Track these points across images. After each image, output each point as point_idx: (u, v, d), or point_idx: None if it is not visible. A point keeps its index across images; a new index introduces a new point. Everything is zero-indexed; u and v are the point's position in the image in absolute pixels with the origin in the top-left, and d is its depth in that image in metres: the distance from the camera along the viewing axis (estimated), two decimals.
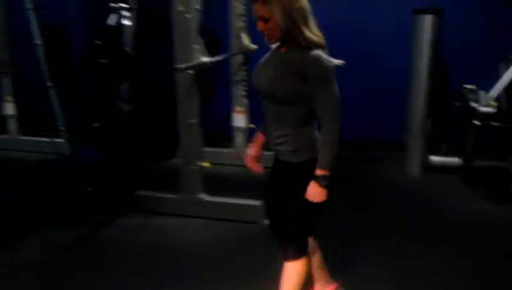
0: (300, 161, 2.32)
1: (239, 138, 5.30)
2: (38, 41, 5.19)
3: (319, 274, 2.82)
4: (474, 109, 4.40)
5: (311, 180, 2.26)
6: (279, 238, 2.61)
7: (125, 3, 4.10)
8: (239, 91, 5.11)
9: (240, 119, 5.20)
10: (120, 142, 4.10)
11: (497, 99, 4.44)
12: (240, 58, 4.99)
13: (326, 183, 2.24)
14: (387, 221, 4.15)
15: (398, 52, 5.29)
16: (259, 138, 2.62)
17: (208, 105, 4.80)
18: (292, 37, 2.18)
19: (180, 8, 3.63)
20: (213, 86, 5.34)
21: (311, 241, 2.64)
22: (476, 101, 4.46)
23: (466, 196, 4.74)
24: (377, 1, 5.65)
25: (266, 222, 3.97)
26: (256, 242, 3.73)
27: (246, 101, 5.17)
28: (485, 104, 4.37)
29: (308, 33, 2.16)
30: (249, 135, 5.25)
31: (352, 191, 4.80)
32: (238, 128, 5.26)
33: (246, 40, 4.83)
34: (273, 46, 2.32)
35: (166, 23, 3.79)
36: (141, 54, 4.48)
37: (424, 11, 4.84)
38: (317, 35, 2.19)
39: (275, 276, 3.24)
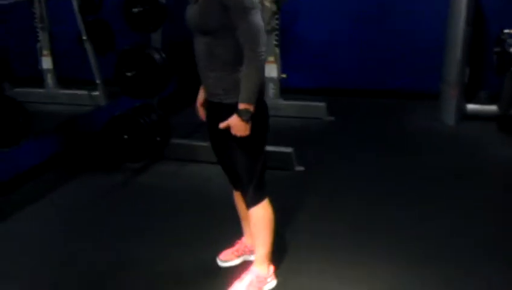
0: (232, 102, 2.28)
1: (271, 88, 5.29)
2: None
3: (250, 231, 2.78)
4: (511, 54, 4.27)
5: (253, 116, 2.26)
6: (238, 189, 2.66)
7: None
8: (271, 40, 5.07)
9: (271, 70, 5.18)
10: (154, 91, 4.16)
11: None
12: (272, 7, 4.93)
13: (248, 117, 2.24)
14: (420, 166, 4.14)
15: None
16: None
17: None
18: None
19: None
20: None
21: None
22: None
23: (502, 143, 4.67)
24: None
25: (299, 168, 4.08)
26: (289, 187, 3.80)
27: (277, 50, 5.14)
28: None
29: None
30: (281, 85, 5.26)
31: (385, 138, 4.79)
32: (270, 79, 5.24)
33: None
34: None
35: None
36: (172, 3, 4.50)
37: None
38: None
39: (304, 218, 3.34)
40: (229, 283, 2.65)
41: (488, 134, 4.86)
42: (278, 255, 2.81)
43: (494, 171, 4.05)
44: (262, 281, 2.63)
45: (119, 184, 4.04)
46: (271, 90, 5.28)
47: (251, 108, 2.23)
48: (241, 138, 2.30)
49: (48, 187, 3.97)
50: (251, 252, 2.87)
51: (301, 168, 4.11)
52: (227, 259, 2.89)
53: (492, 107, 5.08)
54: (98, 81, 5.50)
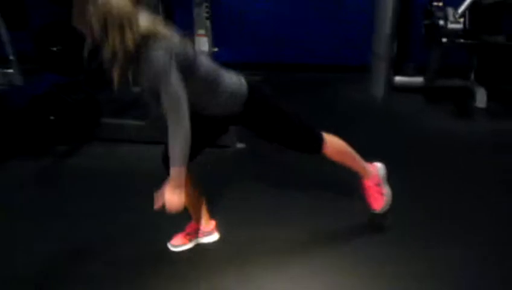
0: (235, 110, 2.36)
1: None
2: None
3: (198, 214, 2.80)
4: (441, 26, 4.37)
5: (261, 107, 2.44)
6: None
7: None
8: (201, 13, 4.87)
9: (203, 43, 4.99)
10: (81, 68, 3.86)
11: (463, 16, 4.43)
12: None
13: (182, 182, 2.16)
14: (354, 141, 4.14)
15: None
16: None
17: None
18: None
19: None
20: (171, 7, 5.08)
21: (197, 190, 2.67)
22: (444, 18, 4.42)
23: (428, 114, 4.80)
24: None
25: (239, 145, 3.97)
26: (229, 165, 3.70)
27: (208, 23, 4.95)
28: (453, 21, 4.34)
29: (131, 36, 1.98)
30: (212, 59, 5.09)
31: (318, 113, 4.78)
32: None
33: None
34: None
35: None
36: None
37: None
38: (146, 29, 2.02)
39: (241, 196, 3.25)
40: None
41: (416, 105, 5.00)
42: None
43: (425, 143, 4.14)
44: None
45: (49, 167, 3.76)
46: None
47: (183, 170, 2.14)
48: (273, 121, 2.49)
49: None
50: (203, 234, 2.82)
51: (242, 145, 4.01)
52: (179, 243, 2.79)
53: (419, 79, 5.22)
54: (11, 58, 5.07)
